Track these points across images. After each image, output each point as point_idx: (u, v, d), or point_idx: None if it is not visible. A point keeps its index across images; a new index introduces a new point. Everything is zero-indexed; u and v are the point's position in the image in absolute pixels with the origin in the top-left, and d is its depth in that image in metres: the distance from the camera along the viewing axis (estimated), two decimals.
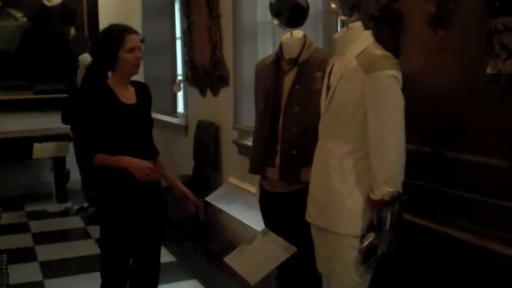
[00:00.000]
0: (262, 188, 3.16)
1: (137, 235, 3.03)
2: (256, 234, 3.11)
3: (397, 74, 2.41)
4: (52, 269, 4.82)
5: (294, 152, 2.91)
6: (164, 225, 3.28)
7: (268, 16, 3.16)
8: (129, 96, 3.00)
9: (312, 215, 2.71)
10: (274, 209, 3.07)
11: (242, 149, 4.88)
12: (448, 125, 2.56)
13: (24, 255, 5.12)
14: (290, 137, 2.93)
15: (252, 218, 4.13)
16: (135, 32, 2.98)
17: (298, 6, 2.97)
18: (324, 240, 2.64)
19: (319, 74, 2.87)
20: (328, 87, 2.61)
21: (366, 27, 2.61)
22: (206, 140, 5.69)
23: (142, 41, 3.00)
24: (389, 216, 2.40)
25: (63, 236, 5.93)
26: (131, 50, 2.89)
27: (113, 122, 2.92)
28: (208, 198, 5.03)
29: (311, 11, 3.05)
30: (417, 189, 2.58)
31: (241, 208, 4.59)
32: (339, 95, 2.52)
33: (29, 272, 4.73)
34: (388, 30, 2.83)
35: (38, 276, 4.65)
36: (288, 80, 2.98)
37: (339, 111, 2.54)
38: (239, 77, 5.08)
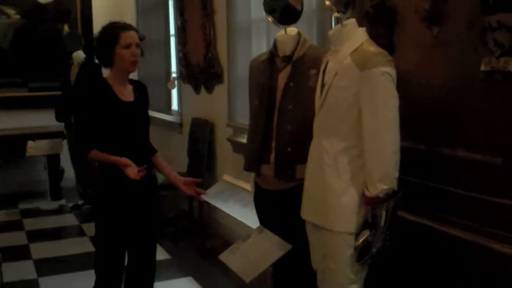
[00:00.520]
0: (257, 186, 3.16)
1: (133, 232, 3.02)
2: (251, 231, 3.11)
3: (392, 71, 2.41)
4: (46, 266, 4.81)
5: (289, 149, 2.91)
6: (159, 222, 3.27)
7: (262, 13, 3.16)
8: (127, 93, 3.00)
9: (306, 212, 2.71)
10: (269, 206, 3.07)
11: (237, 147, 4.88)
12: (443, 122, 2.57)
13: (18, 253, 5.11)
14: (285, 134, 2.93)
15: (247, 216, 4.12)
16: (132, 29, 2.97)
17: (290, 6, 2.97)
18: (319, 237, 2.64)
19: (313, 71, 2.87)
20: (323, 85, 2.61)
21: (360, 24, 2.61)
22: (201, 137, 5.69)
23: (141, 39, 2.99)
24: (384, 213, 2.41)
25: (57, 233, 5.92)
26: (127, 46, 2.89)
27: (111, 118, 2.92)
28: (203, 196, 5.01)
29: (305, 8, 3.04)
30: (412, 187, 2.58)
31: (236, 205, 4.57)
32: (334, 92, 2.52)
33: (24, 270, 4.72)
34: (382, 27, 2.83)
35: (32, 274, 4.64)
36: (282, 78, 2.97)
37: (334, 109, 2.54)
38: (233, 74, 5.08)
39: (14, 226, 6.04)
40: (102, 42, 2.95)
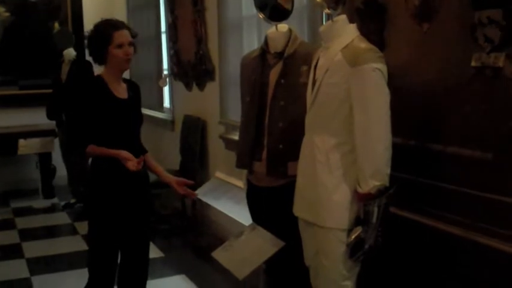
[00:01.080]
0: (249, 183, 3.16)
1: (126, 230, 3.02)
2: (243, 228, 3.11)
3: (382, 67, 2.41)
4: (39, 265, 4.80)
5: (281, 146, 2.91)
6: (152, 220, 3.26)
7: (253, 10, 3.16)
8: (122, 91, 3.02)
9: (299, 209, 2.71)
10: (262, 203, 3.07)
11: (229, 144, 4.87)
12: (434, 118, 2.57)
13: (10, 252, 5.11)
14: (276, 131, 2.93)
15: (240, 213, 4.13)
16: (125, 27, 2.98)
17: (280, 6, 2.97)
18: (312, 234, 2.65)
19: (304, 67, 2.87)
20: (314, 81, 2.61)
21: (351, 21, 2.61)
22: (193, 134, 5.68)
23: (134, 37, 2.99)
24: (376, 209, 2.41)
25: (50, 232, 5.91)
26: (120, 45, 2.90)
27: (106, 115, 2.92)
28: (194, 196, 5.01)
29: (296, 5, 3.04)
30: (403, 183, 2.59)
31: (228, 203, 4.58)
32: (325, 88, 2.52)
33: (16, 269, 4.71)
34: (373, 23, 2.83)
35: (25, 273, 4.62)
36: (274, 74, 2.97)
37: (325, 105, 2.54)
38: (225, 71, 5.07)
39: (6, 225, 6.02)
40: (95, 41, 2.97)
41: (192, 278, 4.40)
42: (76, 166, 6.37)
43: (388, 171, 2.41)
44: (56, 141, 6.73)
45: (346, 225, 2.49)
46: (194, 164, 5.60)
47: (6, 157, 7.01)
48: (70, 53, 6.46)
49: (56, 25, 7.62)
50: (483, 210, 2.31)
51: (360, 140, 2.41)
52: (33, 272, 4.63)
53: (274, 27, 3.00)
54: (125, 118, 2.98)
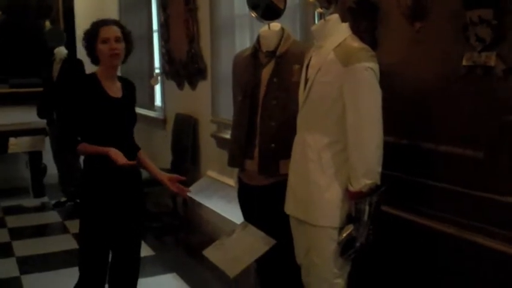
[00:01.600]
0: (240, 181, 3.16)
1: (117, 229, 3.01)
2: (235, 227, 3.11)
3: (375, 66, 2.42)
4: (29, 264, 4.78)
5: (273, 144, 2.91)
6: (144, 218, 3.26)
7: (246, 9, 3.16)
8: (115, 90, 3.01)
9: (290, 207, 2.72)
10: (253, 201, 3.07)
11: (221, 142, 4.87)
12: (425, 116, 2.58)
13: (0, 251, 5.07)
14: (268, 130, 2.93)
15: (231, 211, 4.14)
16: (113, 23, 2.98)
17: (273, 5, 2.98)
18: (303, 232, 2.65)
19: (297, 66, 2.87)
20: (306, 80, 2.61)
21: (343, 20, 2.61)
22: (184, 133, 5.68)
23: (126, 33, 2.98)
24: (367, 208, 2.42)
25: (40, 231, 5.87)
26: (104, 41, 2.90)
27: (98, 113, 2.91)
28: (187, 193, 5.01)
29: (288, 4, 3.05)
30: (395, 181, 2.60)
31: (220, 201, 4.59)
32: (317, 87, 2.53)
33: (6, 267, 4.68)
34: (365, 22, 2.84)
35: (15, 272, 4.60)
36: (266, 73, 2.97)
37: (317, 104, 2.54)
38: (217, 70, 5.07)
39: None
40: (85, 39, 2.99)
41: (183, 276, 4.39)
42: (67, 165, 6.35)
43: (380, 169, 2.41)
44: (47, 139, 6.70)
45: (337, 224, 2.50)
46: (186, 163, 5.60)
47: None
48: (61, 51, 6.44)
49: (47, 23, 7.58)
50: (474, 209, 2.32)
51: (352, 138, 2.42)
52: (23, 271, 4.61)
53: (266, 26, 3.00)
54: (117, 117, 2.97)
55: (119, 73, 3.09)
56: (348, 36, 2.53)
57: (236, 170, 3.18)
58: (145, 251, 4.64)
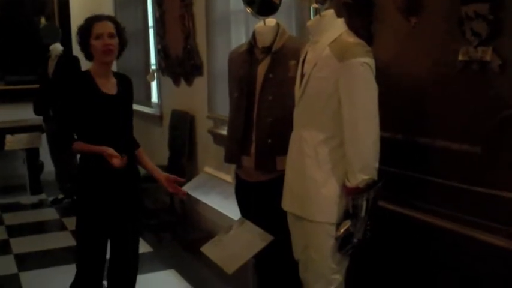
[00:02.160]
0: (237, 177, 3.16)
1: (115, 225, 3.01)
2: (232, 223, 3.11)
3: (370, 61, 2.42)
4: (27, 261, 4.78)
5: (269, 140, 2.91)
6: (141, 215, 3.26)
7: (241, 4, 3.15)
8: (110, 86, 2.99)
9: (287, 203, 2.72)
10: (250, 198, 3.07)
11: (217, 138, 4.87)
12: (421, 111, 2.58)
13: None
14: (265, 126, 2.93)
15: (229, 207, 4.14)
16: (107, 19, 2.97)
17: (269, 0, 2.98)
18: (300, 228, 2.65)
19: (293, 62, 2.87)
20: (302, 76, 2.61)
21: (339, 15, 2.61)
22: (181, 129, 5.67)
23: (120, 29, 2.97)
24: (364, 203, 2.42)
25: (38, 228, 5.86)
26: (98, 36, 2.89)
27: (92, 111, 2.91)
28: (184, 188, 5.00)
29: None
30: (392, 176, 2.60)
31: (217, 197, 4.59)
32: (313, 83, 2.53)
33: (4, 265, 4.68)
34: (361, 17, 2.83)
35: (13, 269, 4.60)
36: (262, 69, 2.97)
37: (313, 100, 2.54)
38: (213, 65, 5.06)
39: None
40: (79, 35, 2.98)
41: (182, 272, 4.39)
42: (64, 161, 6.34)
43: (377, 165, 2.41)
44: (43, 136, 6.68)
45: (334, 219, 2.50)
46: (183, 159, 5.59)
47: None
48: (57, 48, 6.42)
49: (43, 20, 7.56)
50: (472, 204, 2.32)
51: (348, 134, 2.42)
52: (21, 268, 4.61)
53: (262, 22, 3.00)
54: (112, 114, 2.95)
55: (114, 69, 3.08)
56: (343, 31, 2.53)
57: (233, 166, 3.18)
58: (144, 247, 4.64)
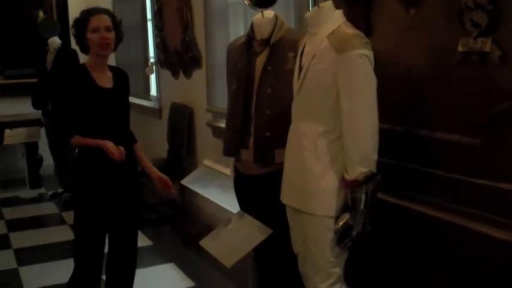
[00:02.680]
0: (236, 170, 3.15)
1: (113, 219, 3.00)
2: (231, 216, 3.11)
3: (369, 53, 2.40)
4: (27, 256, 4.77)
5: (268, 133, 2.90)
6: (141, 209, 3.25)
7: None
8: (106, 80, 2.97)
9: (286, 196, 2.71)
10: (249, 191, 3.06)
11: (216, 131, 4.86)
12: (421, 103, 2.57)
13: None
14: (263, 119, 2.91)
15: (228, 200, 4.13)
16: (104, 12, 2.95)
17: None
18: (299, 221, 2.64)
19: (291, 54, 2.85)
20: (300, 68, 2.60)
21: (337, 7, 2.59)
22: (180, 122, 5.66)
23: (116, 23, 2.96)
24: (363, 196, 2.41)
25: (37, 222, 5.86)
26: (94, 30, 2.88)
27: (88, 104, 2.90)
28: (183, 181, 5.02)
29: None
30: (391, 169, 2.59)
31: (216, 190, 4.59)
32: (311, 75, 2.51)
33: (3, 259, 4.68)
34: (359, 9, 2.81)
35: (12, 264, 4.60)
36: (260, 61, 2.95)
37: (312, 92, 2.53)
38: (211, 58, 5.05)
39: None
40: (75, 28, 2.96)
41: (181, 266, 4.39)
42: (63, 155, 6.33)
43: (375, 157, 2.40)
44: (43, 130, 6.67)
45: (333, 212, 2.49)
46: (182, 152, 5.59)
47: None
48: (55, 41, 6.40)
49: (41, 13, 7.52)
50: (471, 196, 2.32)
51: (347, 126, 2.41)
52: (20, 263, 4.61)
53: (260, 14, 2.98)
54: (107, 108, 2.94)
55: (113, 63, 3.07)
56: (342, 23, 2.51)
57: (232, 159, 3.17)
58: (143, 241, 4.65)
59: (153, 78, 6.80)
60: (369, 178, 2.40)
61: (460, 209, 2.36)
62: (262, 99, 2.92)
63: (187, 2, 5.35)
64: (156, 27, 6.28)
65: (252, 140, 2.94)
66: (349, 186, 2.43)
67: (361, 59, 2.38)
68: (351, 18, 2.61)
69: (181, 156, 5.55)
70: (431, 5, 2.48)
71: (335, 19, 2.52)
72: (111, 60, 3.08)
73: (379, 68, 2.45)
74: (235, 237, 2.93)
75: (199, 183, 4.86)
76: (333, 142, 2.49)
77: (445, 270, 2.49)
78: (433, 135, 2.49)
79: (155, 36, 6.37)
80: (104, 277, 3.15)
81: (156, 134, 6.36)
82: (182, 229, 5.42)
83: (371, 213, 2.45)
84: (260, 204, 2.97)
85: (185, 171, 5.22)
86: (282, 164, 2.73)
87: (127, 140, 3.03)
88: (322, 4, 2.55)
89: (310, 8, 3.43)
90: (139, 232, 3.21)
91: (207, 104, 5.12)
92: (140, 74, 6.91)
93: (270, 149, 2.89)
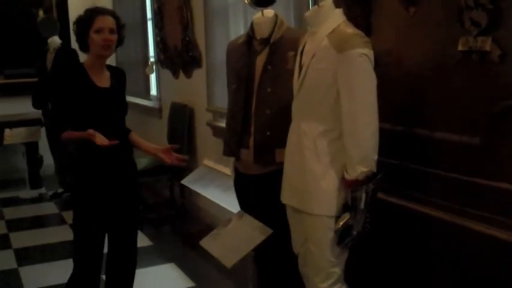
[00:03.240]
0: (236, 170, 3.14)
1: (113, 218, 3.00)
2: (231, 216, 3.10)
3: (369, 52, 2.39)
4: (27, 256, 4.77)
5: (268, 133, 2.89)
6: (140, 209, 3.24)
7: None
8: (103, 79, 2.97)
9: (286, 196, 2.70)
10: (249, 191, 3.06)
11: (216, 131, 4.85)
12: (421, 103, 2.57)
13: None
14: (263, 118, 2.91)
15: (228, 200, 4.13)
16: (109, 13, 2.95)
17: None
18: (299, 221, 2.64)
19: (291, 53, 2.84)
20: (300, 67, 2.59)
21: (337, 6, 2.58)
22: (180, 122, 5.66)
23: (120, 25, 2.95)
24: (363, 195, 2.40)
25: (37, 222, 5.86)
26: (98, 30, 2.86)
27: (85, 104, 2.89)
28: (183, 181, 5.01)
29: None
30: (391, 168, 2.58)
31: (216, 190, 4.58)
32: (311, 74, 2.50)
33: (3, 259, 4.68)
34: (359, 8, 2.81)
35: (12, 264, 4.59)
36: (260, 60, 2.95)
37: (312, 91, 2.52)
38: (211, 57, 5.04)
39: None
40: (77, 25, 2.95)
41: (181, 266, 4.39)
42: (63, 155, 6.32)
43: (376, 157, 2.40)
44: (43, 130, 6.67)
45: (334, 212, 2.48)
46: (182, 152, 5.54)
47: None
48: (55, 41, 6.40)
49: (41, 13, 7.52)
50: (471, 195, 2.31)
51: (347, 126, 2.40)
52: (21, 263, 4.60)
53: (260, 13, 2.97)
54: (106, 107, 2.94)
55: (113, 62, 3.06)
56: (341, 22, 2.50)
57: (232, 159, 3.16)
58: (143, 241, 4.64)
59: (153, 77, 6.79)
60: (369, 178, 2.39)
61: (460, 209, 2.35)
62: (263, 99, 2.91)
63: (187, 1, 5.34)
64: (156, 27, 6.28)
65: (252, 139, 2.94)
66: (350, 186, 2.42)
67: (361, 58, 2.37)
68: (351, 17, 2.60)
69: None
70: (431, 3, 2.47)
71: (335, 18, 2.51)
72: (111, 59, 3.07)
73: (379, 67, 2.44)
74: (235, 237, 2.93)
75: (199, 183, 4.86)
76: (333, 142, 2.48)
77: (444, 269, 2.49)
78: (433, 135, 2.49)
79: (155, 35, 6.37)
80: (103, 277, 3.15)
81: (156, 133, 6.36)
82: (182, 229, 5.41)
83: (371, 213, 2.44)
84: (260, 204, 2.97)
85: (185, 171, 5.22)
86: (282, 163, 2.73)
87: (122, 137, 3.01)
88: (322, 3, 2.54)
89: (310, 7, 3.42)
90: (139, 232, 3.21)
91: (207, 104, 5.11)
92: (140, 74, 6.90)
93: (270, 149, 2.89)
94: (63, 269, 3.48)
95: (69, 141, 2.98)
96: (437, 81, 2.45)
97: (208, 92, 5.11)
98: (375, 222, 2.47)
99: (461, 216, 2.34)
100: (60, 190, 6.64)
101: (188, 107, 5.56)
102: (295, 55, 2.72)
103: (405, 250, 2.66)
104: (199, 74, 5.32)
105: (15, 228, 5.56)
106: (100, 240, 3.02)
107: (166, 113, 6.10)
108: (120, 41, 2.99)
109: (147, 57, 6.89)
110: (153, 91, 6.89)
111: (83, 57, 3.12)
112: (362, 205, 2.41)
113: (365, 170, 2.38)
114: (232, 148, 3.05)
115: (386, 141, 2.45)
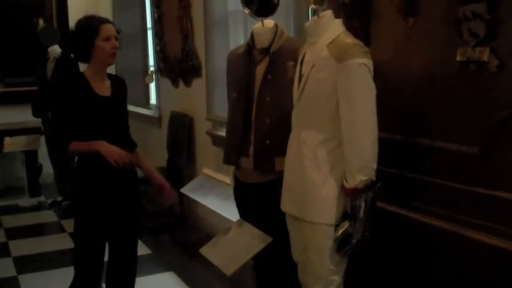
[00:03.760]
0: (236, 179, 3.16)
1: (113, 227, 3.00)
2: (231, 225, 3.11)
3: (368, 62, 2.41)
4: (26, 264, 4.76)
5: (268, 141, 2.91)
6: (140, 217, 3.25)
7: (239, 5, 3.15)
8: (104, 88, 2.97)
9: (286, 204, 2.71)
10: (249, 199, 3.07)
11: (216, 140, 4.87)
12: (419, 112, 2.58)
13: None
14: (263, 127, 2.92)
15: (227, 209, 4.14)
16: (108, 21, 2.97)
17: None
18: (299, 229, 2.65)
19: (291, 63, 2.86)
20: (300, 77, 2.61)
21: (337, 16, 2.61)
22: (180, 131, 5.67)
23: (118, 32, 2.97)
24: (363, 204, 2.42)
25: (36, 230, 5.85)
26: (107, 38, 2.87)
27: (87, 113, 2.90)
28: (183, 190, 5.02)
29: (282, 0, 3.04)
30: (390, 177, 2.59)
31: (216, 199, 4.59)
32: (311, 84, 2.52)
33: (2, 267, 4.67)
34: (359, 18, 2.83)
35: (11, 272, 4.59)
36: (260, 70, 2.97)
37: (312, 101, 2.54)
38: (211, 67, 5.06)
39: None
40: (80, 35, 2.91)
41: (181, 274, 4.38)
42: (62, 164, 6.33)
43: (375, 165, 2.41)
44: (42, 138, 6.67)
45: (333, 221, 2.49)
46: (181, 161, 5.59)
47: None
48: (55, 49, 6.41)
49: (41, 22, 7.53)
50: (470, 204, 2.32)
51: (347, 135, 2.42)
52: (20, 271, 4.59)
53: (260, 23, 2.99)
54: (106, 116, 2.94)
55: (113, 71, 3.08)
56: (341, 32, 2.53)
57: (232, 168, 3.18)
58: (142, 249, 4.64)
59: (152, 86, 6.81)
60: (368, 186, 2.41)
61: (459, 218, 2.36)
62: (262, 108, 2.93)
63: (187, 11, 5.37)
64: (156, 36, 6.30)
65: (252, 148, 2.95)
66: (349, 194, 2.43)
67: (361, 68, 2.39)
68: (350, 27, 2.62)
69: (181, 165, 5.56)
70: (429, 14, 2.49)
71: (334, 28, 2.53)
72: (111, 68, 3.08)
73: (378, 77, 2.46)
74: (235, 246, 2.93)
75: (199, 191, 4.86)
76: (333, 151, 2.50)
77: (444, 279, 2.49)
78: (432, 144, 2.50)
79: (155, 44, 6.38)
80: (103, 285, 3.15)
81: (156, 142, 6.37)
82: (182, 237, 5.41)
83: (370, 222, 2.45)
84: (260, 213, 2.98)
85: (185, 180, 5.22)
86: (281, 172, 2.74)
87: (127, 147, 3.02)
88: (321, 13, 2.56)
89: (310, 17, 3.44)
90: (138, 241, 3.21)
91: (206, 113, 5.13)
92: (140, 83, 6.91)
93: (270, 157, 2.90)
94: (62, 277, 3.48)
95: (77, 153, 2.99)
96: (436, 91, 2.47)
97: (207, 101, 5.12)
98: (374, 231, 2.48)
99: (460, 225, 2.35)
100: (59, 198, 6.63)
101: (188, 116, 5.58)
102: (295, 65, 2.74)
103: (404, 259, 2.66)
104: (199, 83, 5.34)
105: (15, 236, 5.54)
106: (101, 248, 3.02)
107: (166, 122, 6.11)
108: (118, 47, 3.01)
109: (147, 66, 6.91)
110: (153, 100, 6.90)
111: (82, 66, 3.13)
112: (361, 213, 2.42)
113: (364, 178, 2.39)
114: (232, 156, 3.07)
115: (386, 150, 2.47)
